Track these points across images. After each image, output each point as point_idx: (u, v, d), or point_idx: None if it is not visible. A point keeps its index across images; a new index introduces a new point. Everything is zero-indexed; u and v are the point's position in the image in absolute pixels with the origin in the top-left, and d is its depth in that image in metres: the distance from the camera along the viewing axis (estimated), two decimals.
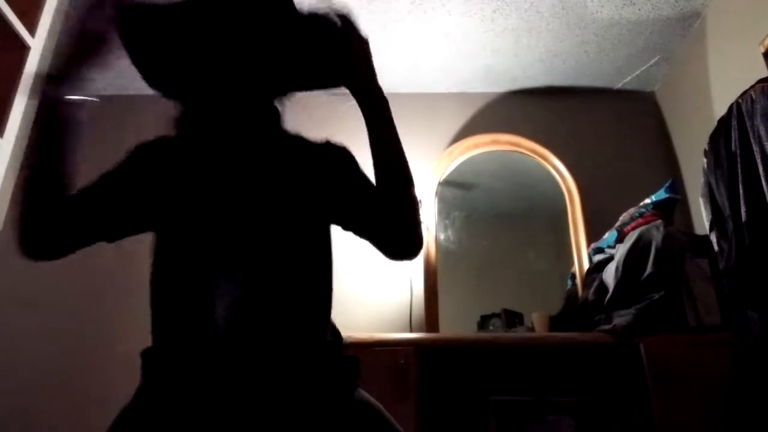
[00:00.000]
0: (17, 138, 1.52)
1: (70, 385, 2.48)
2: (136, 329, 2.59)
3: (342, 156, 0.95)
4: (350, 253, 2.65)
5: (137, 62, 0.95)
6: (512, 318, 2.15)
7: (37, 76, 1.61)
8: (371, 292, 2.57)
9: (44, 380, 2.48)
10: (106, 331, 2.58)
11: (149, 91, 3.02)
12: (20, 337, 2.54)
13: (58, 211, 0.86)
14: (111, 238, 0.98)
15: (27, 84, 1.56)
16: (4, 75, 1.52)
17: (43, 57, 1.63)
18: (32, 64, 1.59)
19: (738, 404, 1.64)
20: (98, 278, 2.69)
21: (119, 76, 2.95)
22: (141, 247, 2.90)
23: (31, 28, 1.58)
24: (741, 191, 1.73)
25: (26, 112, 1.56)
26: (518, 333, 2.10)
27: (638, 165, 2.74)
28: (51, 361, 2.51)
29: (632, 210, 2.08)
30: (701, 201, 1.95)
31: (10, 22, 1.48)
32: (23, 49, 1.56)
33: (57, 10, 1.70)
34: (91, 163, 3.08)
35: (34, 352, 2.52)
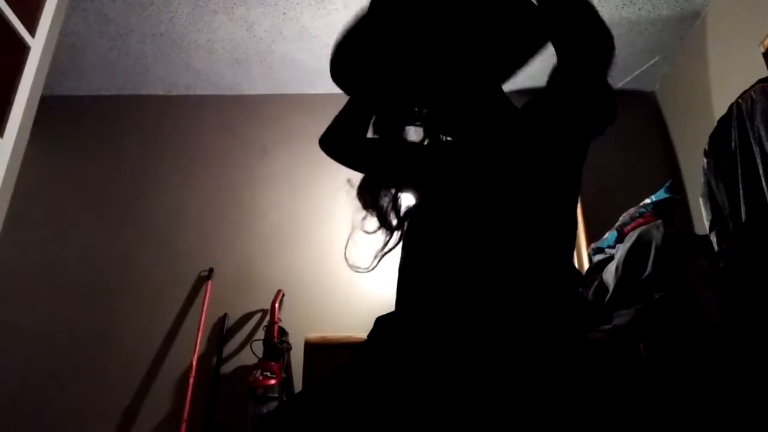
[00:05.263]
0: (17, 138, 1.51)
1: (71, 384, 2.48)
2: (136, 330, 2.57)
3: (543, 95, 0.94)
4: (351, 254, 2.65)
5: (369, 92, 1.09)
6: None
7: (37, 76, 1.61)
8: (372, 291, 2.57)
9: (45, 380, 2.48)
10: (106, 332, 2.58)
11: (149, 92, 3.03)
12: (21, 337, 2.54)
13: (352, 135, 1.14)
14: (359, 170, 1.18)
15: (27, 84, 1.56)
16: (4, 75, 1.52)
17: (43, 57, 1.63)
18: (32, 64, 1.58)
19: (738, 403, 1.64)
20: (98, 279, 2.69)
21: (119, 76, 2.95)
22: (141, 249, 2.87)
23: (31, 28, 1.58)
24: (741, 191, 1.72)
25: (26, 112, 1.55)
26: None
27: (638, 165, 2.74)
28: (51, 362, 2.51)
29: (632, 210, 2.07)
30: (701, 201, 1.95)
31: (10, 22, 1.48)
32: (23, 49, 1.56)
33: (57, 10, 1.69)
34: (92, 160, 3.06)
35: (35, 353, 2.52)
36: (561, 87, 0.89)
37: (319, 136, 1.18)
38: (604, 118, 0.90)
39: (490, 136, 0.96)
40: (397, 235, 1.09)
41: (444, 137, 1.08)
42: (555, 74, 0.90)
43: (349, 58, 1.03)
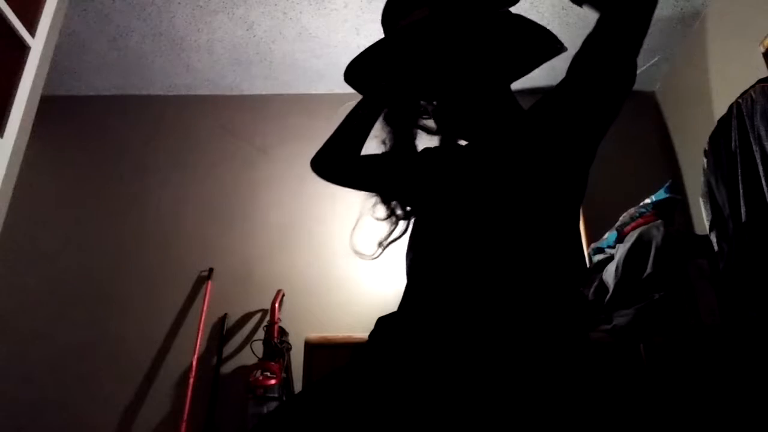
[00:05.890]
0: (17, 138, 1.51)
1: (70, 384, 2.48)
2: (136, 330, 2.57)
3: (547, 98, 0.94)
4: (351, 253, 2.65)
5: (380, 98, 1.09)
6: None
7: (37, 76, 1.61)
8: (372, 291, 2.57)
9: (45, 380, 2.48)
10: (106, 332, 2.58)
11: (149, 92, 3.05)
12: (20, 337, 2.54)
13: (346, 154, 1.13)
14: (360, 188, 1.17)
15: (27, 84, 1.56)
16: (4, 75, 1.52)
17: (43, 57, 1.63)
18: (32, 64, 1.58)
19: (738, 404, 1.64)
20: (98, 279, 2.69)
21: (119, 76, 2.95)
22: (141, 249, 2.88)
23: (31, 28, 1.58)
24: (741, 191, 1.72)
25: (26, 112, 1.56)
26: None
27: (638, 165, 2.74)
28: (51, 362, 2.51)
29: (632, 210, 2.07)
30: (701, 201, 1.95)
31: (10, 22, 1.48)
32: (23, 49, 1.56)
33: (57, 10, 1.69)
34: (91, 160, 3.07)
35: (35, 352, 2.52)
36: (591, 52, 0.88)
37: (319, 136, 1.17)
38: (623, 92, 0.89)
39: (496, 136, 0.96)
40: (402, 224, 1.09)
41: (449, 137, 1.07)
42: (587, 41, 0.89)
43: (365, 60, 1.03)
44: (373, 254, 1.11)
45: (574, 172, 0.90)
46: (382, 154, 1.12)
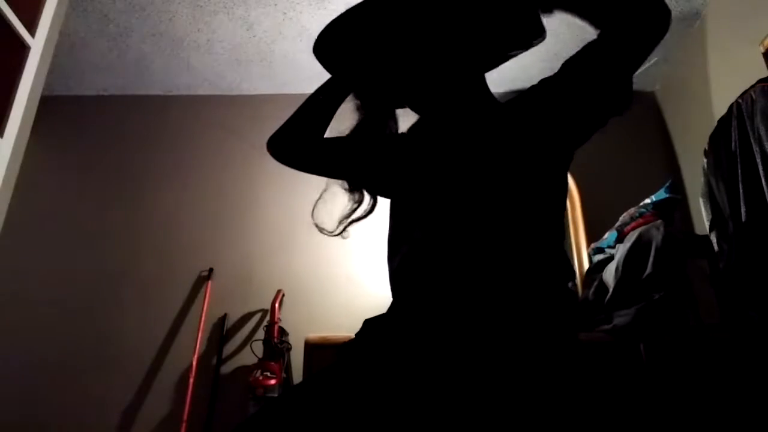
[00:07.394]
0: (17, 138, 1.51)
1: (70, 384, 2.48)
2: (136, 330, 2.57)
3: (542, 86, 0.93)
4: (351, 253, 2.66)
5: (349, 76, 1.05)
6: None
7: (37, 76, 1.61)
8: (372, 291, 2.57)
9: (45, 380, 2.48)
10: (107, 332, 2.57)
11: (149, 92, 3.04)
12: (21, 338, 2.53)
13: (308, 136, 1.07)
14: (320, 174, 1.13)
15: (27, 84, 1.56)
16: (4, 75, 1.52)
17: (43, 57, 1.63)
18: (32, 64, 1.58)
19: (738, 403, 1.64)
20: (98, 279, 2.69)
21: (119, 76, 2.95)
22: (141, 249, 2.88)
23: (31, 28, 1.58)
24: (741, 191, 1.72)
25: (26, 112, 1.56)
26: None
27: (638, 165, 2.74)
28: (51, 362, 2.51)
29: (632, 210, 2.07)
30: (701, 201, 1.95)
31: (10, 22, 1.48)
32: (23, 49, 1.56)
33: (57, 10, 1.69)
34: (92, 160, 3.06)
35: (35, 353, 2.52)
36: (591, 64, 0.87)
37: None
38: (614, 110, 0.88)
39: (468, 124, 0.94)
40: (367, 203, 1.07)
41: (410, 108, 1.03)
42: (588, 49, 0.88)
43: (337, 33, 1.00)
44: (333, 231, 1.09)
45: (554, 171, 0.90)
46: (347, 137, 1.08)
